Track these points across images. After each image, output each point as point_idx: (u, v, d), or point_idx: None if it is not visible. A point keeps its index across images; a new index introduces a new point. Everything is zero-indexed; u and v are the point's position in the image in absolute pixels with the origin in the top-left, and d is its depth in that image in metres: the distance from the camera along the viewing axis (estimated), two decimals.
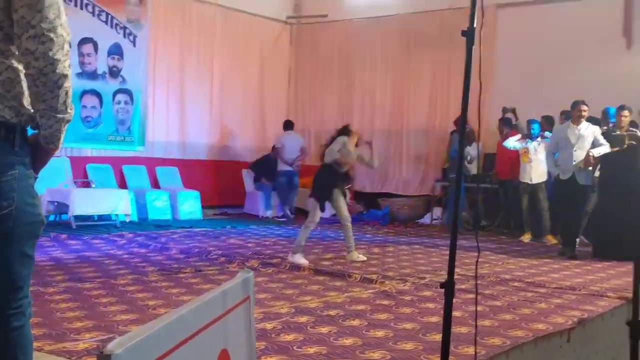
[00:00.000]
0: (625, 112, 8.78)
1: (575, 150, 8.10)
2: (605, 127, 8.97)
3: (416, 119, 13.17)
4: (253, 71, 13.74)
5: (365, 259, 7.24)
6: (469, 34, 2.73)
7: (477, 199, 11.26)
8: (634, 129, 8.78)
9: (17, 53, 2.05)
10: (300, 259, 6.81)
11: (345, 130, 7.34)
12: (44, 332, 3.82)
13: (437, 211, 12.20)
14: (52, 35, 1.99)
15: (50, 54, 1.99)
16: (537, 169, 9.70)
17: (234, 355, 1.94)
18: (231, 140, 13.38)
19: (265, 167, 12.40)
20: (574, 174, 8.09)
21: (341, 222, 7.32)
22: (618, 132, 8.75)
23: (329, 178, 7.15)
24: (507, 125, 10.73)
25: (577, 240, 8.47)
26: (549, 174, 9.30)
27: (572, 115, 8.34)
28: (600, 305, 5.11)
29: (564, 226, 8.59)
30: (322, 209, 7.15)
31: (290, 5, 14.52)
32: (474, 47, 2.72)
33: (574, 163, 8.09)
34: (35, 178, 2.16)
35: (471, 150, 10.78)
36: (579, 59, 11.06)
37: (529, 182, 9.79)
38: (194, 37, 12.61)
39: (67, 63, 2.04)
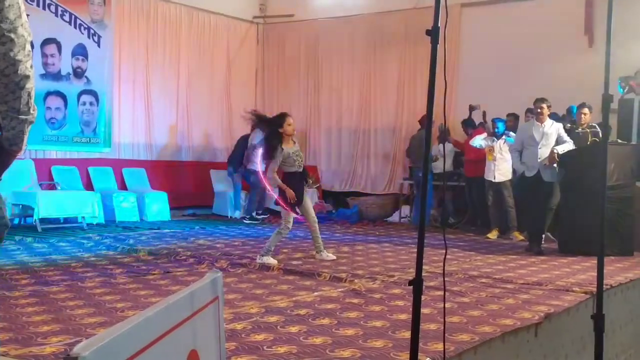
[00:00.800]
0: (585, 110, 8.90)
1: (540, 148, 8.21)
2: (569, 125, 9.11)
3: (383, 117, 13.24)
4: (220, 71, 13.68)
5: (334, 257, 7.25)
6: (433, 33, 2.75)
7: (445, 196, 11.35)
8: (594, 125, 8.92)
9: None
10: (269, 259, 6.80)
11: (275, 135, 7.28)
12: (10, 336, 3.76)
13: (405, 209, 12.28)
14: (12, 35, 1.96)
15: (12, 54, 1.96)
16: (500, 167, 9.78)
17: (203, 355, 1.94)
18: (198, 141, 13.30)
19: (236, 158, 12.12)
20: (539, 171, 8.20)
21: (309, 224, 7.32)
22: (580, 130, 8.89)
23: (293, 185, 7.12)
24: (470, 126, 10.86)
25: (543, 236, 8.59)
26: (515, 171, 9.39)
27: (534, 113, 8.49)
28: (566, 300, 5.18)
29: (530, 223, 8.71)
30: (297, 213, 7.17)
31: (256, 4, 14.47)
32: (438, 46, 2.74)
33: (539, 160, 8.20)
34: None
35: (440, 148, 10.87)
36: (543, 58, 11.19)
37: (492, 180, 9.88)
38: (160, 37, 12.51)
39: (29, 64, 2.01)
